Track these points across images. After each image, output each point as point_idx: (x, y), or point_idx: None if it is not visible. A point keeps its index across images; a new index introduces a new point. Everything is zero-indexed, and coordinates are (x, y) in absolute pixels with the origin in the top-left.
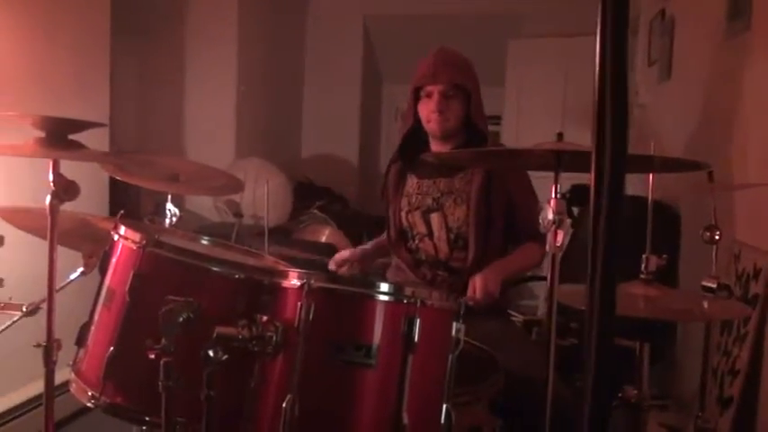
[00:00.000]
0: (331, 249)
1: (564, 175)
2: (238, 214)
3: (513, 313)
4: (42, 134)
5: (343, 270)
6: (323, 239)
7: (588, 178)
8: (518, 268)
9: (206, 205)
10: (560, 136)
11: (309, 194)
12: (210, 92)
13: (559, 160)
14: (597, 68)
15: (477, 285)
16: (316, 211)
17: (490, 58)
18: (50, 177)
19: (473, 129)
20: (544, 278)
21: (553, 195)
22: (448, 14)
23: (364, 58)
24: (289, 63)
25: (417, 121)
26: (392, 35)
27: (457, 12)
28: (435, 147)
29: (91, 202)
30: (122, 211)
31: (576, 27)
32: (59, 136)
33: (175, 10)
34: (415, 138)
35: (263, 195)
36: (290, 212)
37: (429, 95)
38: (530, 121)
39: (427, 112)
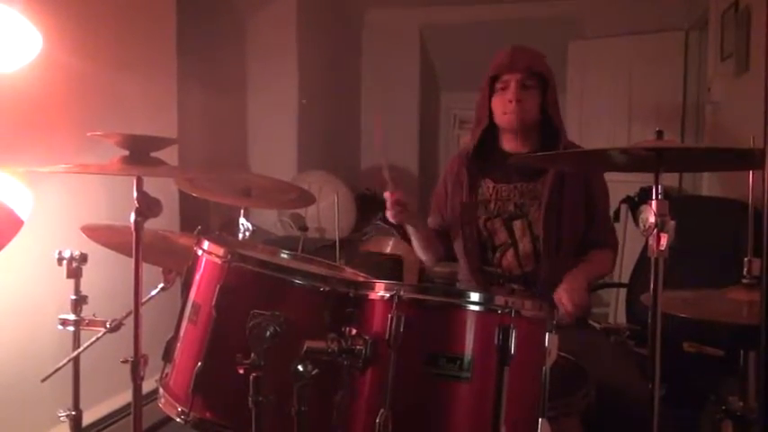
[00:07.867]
0: (396, 260)
1: (627, 177)
2: (303, 228)
3: (590, 322)
4: (126, 152)
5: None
6: (387, 251)
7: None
8: (595, 277)
9: (270, 219)
10: (660, 133)
11: (371, 206)
12: (272, 106)
13: (661, 159)
14: None
15: (564, 301)
16: (379, 222)
17: (550, 63)
18: (135, 195)
19: (548, 124)
20: (620, 285)
21: (654, 196)
22: (503, 20)
23: (421, 68)
24: (347, 75)
25: (490, 119)
26: (449, 43)
27: (513, 17)
28: (509, 145)
29: (162, 217)
30: (200, 227)
31: (636, 25)
32: (142, 154)
33: (236, 28)
34: (484, 138)
35: (327, 208)
36: (353, 225)
37: (505, 86)
38: (594, 124)
39: (503, 103)
